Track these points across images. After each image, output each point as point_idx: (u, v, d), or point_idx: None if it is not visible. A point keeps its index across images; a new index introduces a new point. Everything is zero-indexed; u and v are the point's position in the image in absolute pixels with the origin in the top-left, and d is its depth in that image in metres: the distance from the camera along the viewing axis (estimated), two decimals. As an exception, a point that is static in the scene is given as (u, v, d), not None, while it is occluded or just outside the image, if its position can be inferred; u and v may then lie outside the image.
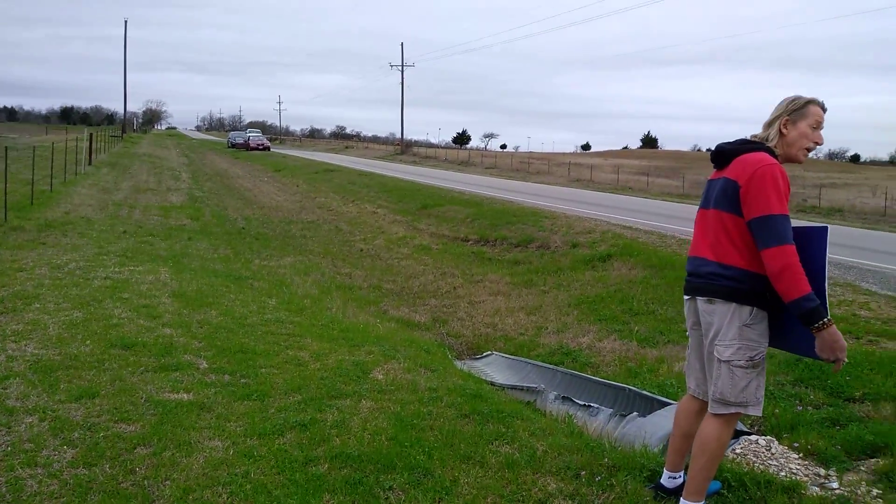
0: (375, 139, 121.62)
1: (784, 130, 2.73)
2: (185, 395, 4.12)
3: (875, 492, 3.32)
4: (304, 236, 14.63)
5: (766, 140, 2.75)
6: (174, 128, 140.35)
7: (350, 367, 4.82)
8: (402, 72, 62.32)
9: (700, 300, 2.73)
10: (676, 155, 79.17)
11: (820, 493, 3.29)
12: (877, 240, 14.59)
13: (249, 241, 13.04)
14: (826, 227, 2.63)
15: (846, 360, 2.55)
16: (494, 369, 6.09)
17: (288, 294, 7.83)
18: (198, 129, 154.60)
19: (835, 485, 3.40)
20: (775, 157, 2.69)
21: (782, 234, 2.51)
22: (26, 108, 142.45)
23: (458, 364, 5.99)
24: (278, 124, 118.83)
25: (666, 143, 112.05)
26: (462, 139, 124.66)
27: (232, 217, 16.16)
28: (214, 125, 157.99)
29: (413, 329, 7.68)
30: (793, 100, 2.76)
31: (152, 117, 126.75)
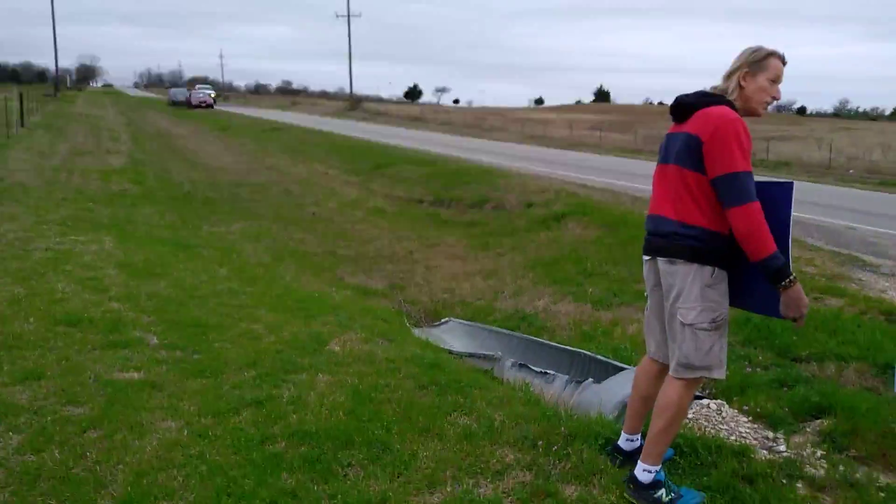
0: (324, 94, 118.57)
1: (743, 83, 2.67)
2: (135, 374, 4.00)
3: (819, 453, 3.45)
4: (253, 200, 14.31)
5: (726, 92, 2.68)
6: (111, 85, 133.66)
7: (306, 340, 4.76)
8: (349, 22, 61.04)
9: (661, 261, 2.67)
10: (628, 109, 79.65)
11: (768, 456, 3.41)
12: (822, 194, 15.01)
13: (196, 205, 12.68)
14: (792, 184, 2.59)
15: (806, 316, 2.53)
16: (452, 336, 6.10)
17: (239, 262, 7.66)
18: (136, 86, 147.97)
19: (782, 447, 3.52)
20: (735, 110, 2.62)
21: (748, 193, 2.46)
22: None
23: (416, 332, 5.98)
24: (221, 80, 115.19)
25: (618, 97, 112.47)
26: (414, 94, 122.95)
27: (177, 180, 15.66)
28: (154, 81, 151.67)
29: (370, 296, 7.63)
30: (754, 50, 2.69)
31: (87, 74, 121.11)
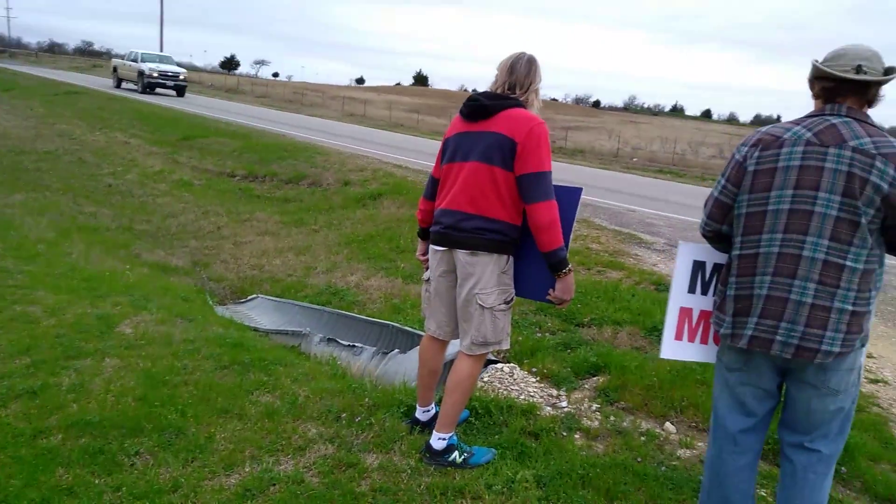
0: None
1: (534, 96, 2.88)
2: None
3: (595, 406, 3.84)
4: (38, 169, 12.80)
5: (526, 103, 2.83)
6: None
7: (92, 322, 4.39)
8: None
9: (461, 252, 2.82)
10: (445, 94, 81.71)
11: (552, 412, 3.72)
12: (609, 179, 16.52)
13: (-34, 174, 11.10)
14: (580, 189, 2.87)
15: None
16: (260, 313, 5.93)
17: (17, 238, 6.84)
18: None
19: (564, 403, 3.86)
20: None
21: (551, 191, 2.70)
22: None
23: (220, 310, 5.74)
24: (7, 35, 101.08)
25: (436, 82, 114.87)
26: (230, 64, 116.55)
27: (-59, 145, 13.57)
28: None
29: (170, 274, 7.17)
30: (539, 73, 2.88)
31: None
